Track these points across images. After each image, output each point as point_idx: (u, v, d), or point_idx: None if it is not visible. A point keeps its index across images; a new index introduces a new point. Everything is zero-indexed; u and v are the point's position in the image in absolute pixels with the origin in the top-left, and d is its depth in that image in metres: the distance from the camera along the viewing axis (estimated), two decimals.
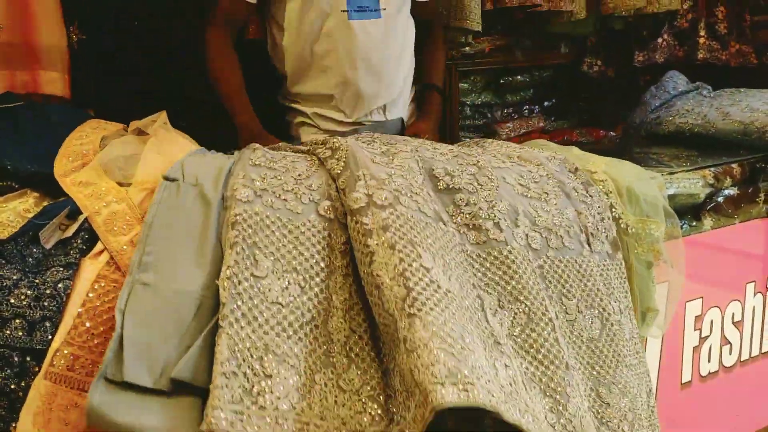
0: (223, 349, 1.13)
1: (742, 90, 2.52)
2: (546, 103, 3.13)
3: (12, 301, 1.18)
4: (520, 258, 1.45)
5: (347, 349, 1.24)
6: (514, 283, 1.41)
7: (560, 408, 1.33)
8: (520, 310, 1.40)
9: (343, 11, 1.91)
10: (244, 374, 1.13)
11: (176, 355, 1.15)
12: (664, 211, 1.81)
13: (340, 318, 1.26)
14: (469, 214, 1.47)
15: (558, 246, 1.53)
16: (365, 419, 1.18)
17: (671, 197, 1.95)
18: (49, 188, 1.44)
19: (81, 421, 1.14)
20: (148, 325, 1.16)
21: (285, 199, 1.36)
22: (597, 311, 1.52)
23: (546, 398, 1.33)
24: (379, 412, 1.19)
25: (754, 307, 2.26)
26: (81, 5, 1.95)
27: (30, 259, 1.25)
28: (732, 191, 2.13)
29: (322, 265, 1.30)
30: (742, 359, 2.26)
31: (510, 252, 1.44)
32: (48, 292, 1.20)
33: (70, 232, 1.30)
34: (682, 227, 1.96)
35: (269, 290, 1.22)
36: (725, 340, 2.21)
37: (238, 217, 1.27)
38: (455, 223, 1.45)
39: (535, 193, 1.59)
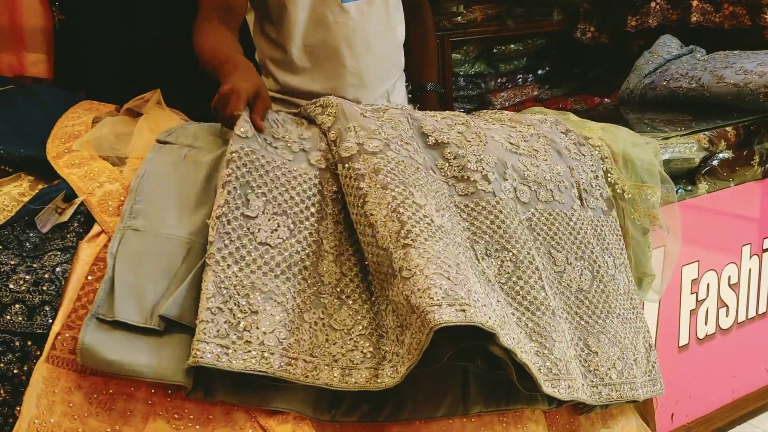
0: (209, 285, 1.16)
1: (735, 52, 2.51)
2: (540, 72, 3.11)
3: (11, 286, 1.18)
4: (508, 209, 1.48)
5: (338, 290, 1.26)
6: (501, 231, 1.45)
7: (545, 351, 1.36)
8: (507, 258, 1.43)
9: None
10: (230, 310, 1.16)
11: (166, 296, 1.17)
12: (660, 176, 1.81)
13: (331, 262, 1.29)
14: (458, 166, 1.50)
15: (548, 199, 1.57)
16: (357, 356, 1.20)
17: (666, 162, 1.96)
18: (44, 171, 1.43)
19: (84, 403, 1.15)
20: (138, 267, 1.19)
21: (276, 147, 1.38)
22: (588, 263, 1.56)
23: (531, 342, 1.36)
24: (371, 350, 1.21)
25: (750, 269, 2.27)
26: None
27: (27, 244, 1.25)
28: (726, 154, 2.13)
29: (312, 210, 1.33)
30: (738, 321, 2.28)
31: (498, 202, 1.48)
32: (47, 276, 1.20)
33: (66, 217, 1.29)
34: (677, 192, 1.96)
35: (258, 230, 1.24)
36: (722, 303, 2.23)
37: (234, 155, 1.28)
38: (444, 175, 1.48)
39: (525, 150, 1.62)
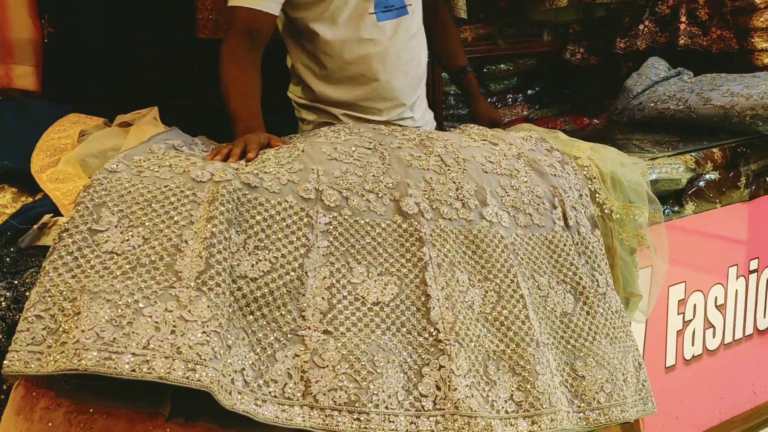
0: (32, 295, 1.15)
1: (722, 75, 2.53)
2: (530, 92, 3.12)
3: None
4: (490, 237, 1.49)
5: (199, 282, 1.19)
6: (483, 262, 1.46)
7: (528, 386, 1.36)
8: (490, 288, 1.45)
9: (371, 14, 1.87)
10: (52, 316, 1.14)
11: None
12: (647, 196, 1.82)
13: (196, 257, 1.22)
14: (440, 191, 1.50)
15: (527, 223, 1.58)
16: (206, 350, 1.12)
17: (653, 182, 1.97)
18: (28, 183, 1.43)
19: (64, 422, 1.13)
20: None
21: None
22: (570, 286, 1.56)
23: (515, 376, 1.37)
24: (217, 348, 1.14)
25: (736, 290, 2.28)
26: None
27: (7, 259, 1.24)
28: (713, 176, 2.15)
29: (177, 217, 1.27)
30: (725, 342, 2.28)
31: (479, 231, 1.49)
32: (27, 293, 1.19)
33: (49, 239, 1.29)
34: (664, 213, 1.97)
35: (105, 242, 1.22)
36: (708, 324, 2.23)
37: (94, 182, 1.28)
38: (428, 199, 1.48)
39: (505, 170, 1.63)
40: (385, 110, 1.91)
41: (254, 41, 1.76)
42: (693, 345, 2.19)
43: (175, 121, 1.67)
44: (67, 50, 1.96)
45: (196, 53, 2.20)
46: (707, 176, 2.13)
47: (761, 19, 2.92)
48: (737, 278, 2.27)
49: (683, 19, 2.96)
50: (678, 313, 2.14)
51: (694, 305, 2.18)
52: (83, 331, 1.10)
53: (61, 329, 1.12)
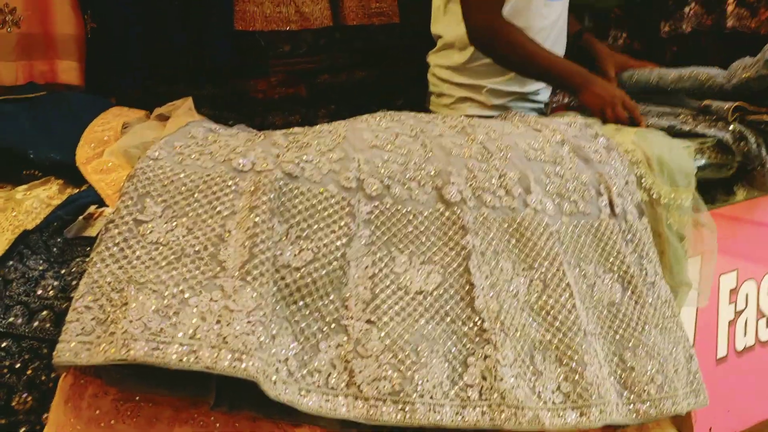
0: (81, 286, 1.15)
1: None
2: None
3: (39, 292, 1.18)
4: (535, 224, 1.46)
5: (243, 272, 1.18)
6: (527, 250, 1.43)
7: (576, 377, 1.33)
8: (536, 277, 1.42)
9: None
10: (101, 307, 1.14)
11: None
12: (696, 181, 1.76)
13: (240, 246, 1.21)
14: (482, 179, 1.48)
15: (572, 211, 1.54)
16: (252, 340, 1.11)
17: (701, 168, 1.90)
18: (73, 176, 1.44)
19: (111, 409, 1.14)
20: None
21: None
22: (617, 275, 1.52)
23: (561, 366, 1.34)
24: (263, 338, 1.13)
25: None
26: None
27: (55, 249, 1.25)
28: None
29: (221, 208, 1.27)
30: None
31: (523, 219, 1.46)
32: (74, 283, 1.20)
33: (94, 231, 1.30)
34: (714, 199, 1.91)
35: (150, 232, 1.22)
36: (761, 314, 2.15)
37: (137, 171, 1.28)
38: (471, 186, 1.45)
39: (549, 156, 1.60)
40: (532, 83, 2.08)
41: (500, 7, 1.96)
42: (745, 336, 2.12)
43: (211, 111, 1.69)
44: (109, 45, 1.98)
45: (233, 44, 2.20)
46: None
47: None
48: None
49: (730, 0, 2.86)
50: (730, 303, 2.07)
51: (746, 294, 2.11)
52: (131, 321, 1.10)
53: (109, 319, 1.13)
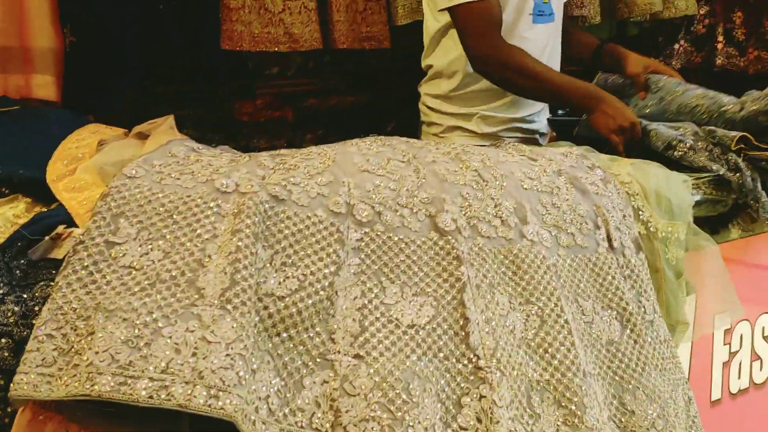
0: (43, 312, 1.06)
1: None
2: (560, 111, 3.04)
3: None
4: (531, 257, 1.40)
5: (223, 300, 1.09)
6: (524, 284, 1.37)
7: (576, 420, 1.26)
8: (533, 312, 1.35)
9: (530, 15, 2.02)
10: (64, 336, 1.05)
11: None
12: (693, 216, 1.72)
13: (219, 272, 1.13)
14: (477, 208, 1.41)
15: (569, 244, 1.48)
16: (230, 375, 1.03)
17: (697, 204, 1.86)
18: (43, 193, 1.36)
19: None
20: None
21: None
22: (615, 312, 1.46)
23: (560, 409, 1.27)
24: (242, 372, 1.04)
25: None
26: (74, 7, 1.87)
27: (17, 271, 1.16)
28: None
29: (201, 231, 1.19)
30: None
31: (520, 251, 1.39)
32: (37, 308, 1.11)
33: (61, 253, 1.21)
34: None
35: (123, 255, 1.13)
36: (755, 355, 2.10)
37: (112, 189, 1.20)
38: (465, 215, 1.39)
39: (545, 187, 1.54)
40: (522, 108, 2.08)
41: (499, 31, 1.94)
42: (740, 378, 2.06)
43: (194, 133, 1.62)
44: (88, 60, 1.91)
45: (220, 64, 2.14)
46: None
47: None
48: None
49: (720, 38, 2.87)
50: (724, 344, 2.01)
51: (741, 335, 2.05)
52: (97, 352, 1.01)
53: (73, 350, 1.04)
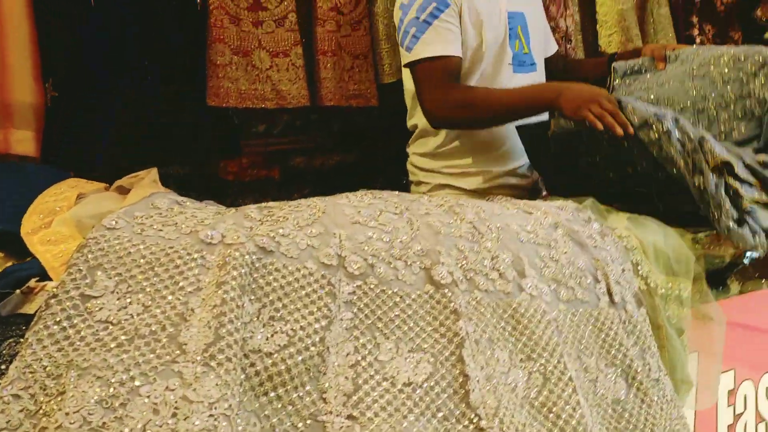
0: (10, 370, 0.98)
1: None
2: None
3: None
4: (531, 311, 1.34)
5: (207, 356, 1.02)
6: (525, 339, 1.30)
7: None
8: (535, 369, 1.28)
9: (509, 64, 2.04)
10: (32, 396, 0.97)
11: None
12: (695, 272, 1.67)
13: (203, 327, 1.06)
14: (474, 260, 1.36)
15: (569, 298, 1.42)
16: None
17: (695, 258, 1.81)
18: (17, 248, 1.28)
19: None
20: None
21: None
22: (620, 369, 1.39)
23: None
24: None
25: None
26: (57, 62, 1.83)
27: None
28: (758, 253, 1.99)
29: (184, 282, 1.12)
30: None
31: (519, 305, 1.34)
32: (4, 367, 1.02)
33: (32, 309, 1.13)
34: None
35: (100, 309, 1.06)
36: (760, 417, 2.02)
37: (90, 241, 1.14)
38: (462, 267, 1.33)
39: (542, 240, 1.49)
40: (506, 162, 2.09)
41: (455, 80, 1.94)
42: None
43: (177, 191, 1.56)
44: (70, 116, 1.86)
45: (205, 121, 2.10)
46: (751, 253, 1.98)
47: None
48: None
49: None
50: (728, 405, 1.93)
51: (744, 396, 1.98)
52: (67, 413, 0.93)
53: (41, 411, 0.95)
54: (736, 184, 1.55)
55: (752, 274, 1.97)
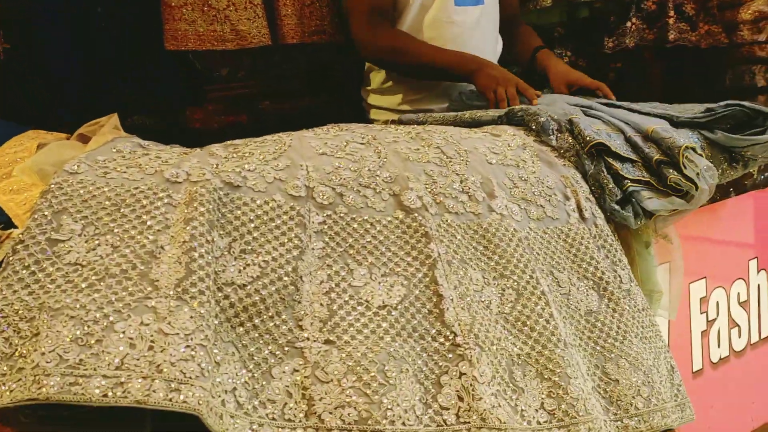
0: None
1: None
2: None
3: None
4: (502, 230, 1.36)
5: (179, 291, 1.03)
6: (497, 258, 1.32)
7: (560, 392, 1.21)
8: (508, 285, 1.30)
9: None
10: (6, 339, 0.97)
11: None
12: None
13: (174, 263, 1.06)
14: (443, 184, 1.37)
15: (540, 216, 1.44)
16: (191, 366, 0.96)
17: None
18: None
19: None
20: None
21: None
22: (592, 282, 1.42)
23: (544, 381, 1.22)
24: (204, 364, 0.97)
25: (759, 285, 2.14)
26: (6, 12, 1.78)
27: None
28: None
29: (150, 222, 1.12)
30: (752, 342, 2.13)
31: (490, 225, 1.35)
32: None
33: (0, 255, 1.12)
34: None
35: (68, 252, 1.06)
36: (733, 323, 2.08)
37: (53, 186, 1.13)
38: (431, 192, 1.34)
39: (511, 161, 1.50)
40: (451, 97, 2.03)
41: (384, 18, 1.96)
42: (719, 347, 2.04)
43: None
44: (25, 68, 1.81)
45: (165, 67, 2.06)
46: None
47: (749, 12, 2.85)
48: (758, 272, 2.13)
49: (671, 14, 2.87)
50: (701, 312, 1.99)
51: (717, 303, 2.04)
52: (43, 353, 0.93)
53: (17, 354, 0.96)
54: (617, 165, 1.55)
55: (719, 184, 2.00)
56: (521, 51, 2.27)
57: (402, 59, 1.97)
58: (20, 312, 0.99)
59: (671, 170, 1.57)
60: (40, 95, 1.82)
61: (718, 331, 2.04)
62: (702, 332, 2.00)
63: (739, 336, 2.10)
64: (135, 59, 1.98)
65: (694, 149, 1.60)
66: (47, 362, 0.92)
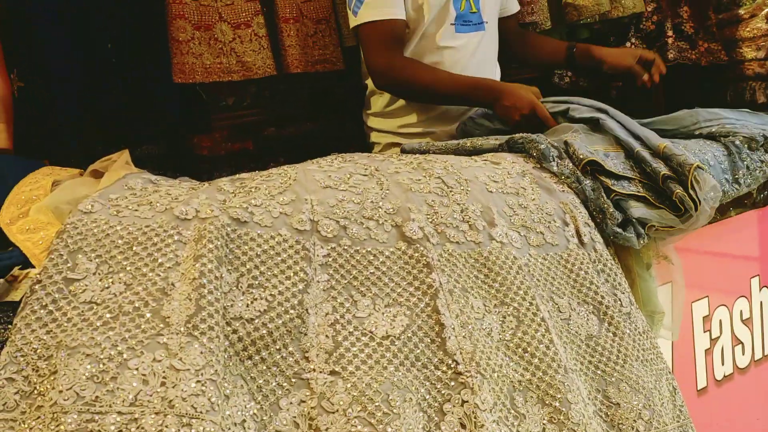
0: (2, 356, 1.03)
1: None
2: None
3: None
4: (502, 258, 1.39)
5: (190, 327, 1.07)
6: (497, 285, 1.36)
7: (561, 417, 1.24)
8: (508, 312, 1.33)
9: (452, 24, 2.06)
10: (26, 378, 1.02)
11: None
12: None
13: (184, 299, 1.10)
14: (444, 214, 1.41)
15: (539, 243, 1.48)
16: (202, 401, 1.00)
17: None
18: None
19: None
20: None
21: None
22: (592, 307, 1.45)
23: (545, 407, 1.25)
24: (215, 398, 1.01)
25: (761, 302, 2.16)
26: (20, 51, 1.83)
27: None
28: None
29: (161, 259, 1.16)
30: (755, 359, 2.14)
31: (490, 253, 1.39)
32: None
33: (18, 296, 1.17)
34: None
35: (83, 291, 1.11)
36: (736, 340, 2.10)
37: (68, 226, 1.18)
38: (432, 222, 1.38)
39: (511, 189, 1.54)
40: (454, 121, 2.09)
41: (399, 47, 2.00)
42: (723, 364, 2.06)
43: (153, 171, 1.58)
44: (38, 104, 1.86)
45: (174, 98, 2.11)
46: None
47: (747, 29, 2.88)
48: (760, 289, 2.15)
49: (670, 33, 2.91)
50: (704, 331, 2.01)
51: (720, 321, 2.05)
52: (61, 391, 0.97)
53: (35, 392, 1.00)
54: (608, 181, 1.58)
55: (722, 206, 2.02)
56: (551, 52, 2.36)
57: (418, 87, 2.00)
58: (38, 351, 1.03)
59: (678, 186, 1.59)
60: (52, 131, 1.87)
61: (722, 349, 2.06)
62: (706, 350, 2.01)
63: (743, 353, 2.12)
64: (144, 92, 2.02)
65: (703, 169, 1.63)
66: (65, 400, 0.96)
